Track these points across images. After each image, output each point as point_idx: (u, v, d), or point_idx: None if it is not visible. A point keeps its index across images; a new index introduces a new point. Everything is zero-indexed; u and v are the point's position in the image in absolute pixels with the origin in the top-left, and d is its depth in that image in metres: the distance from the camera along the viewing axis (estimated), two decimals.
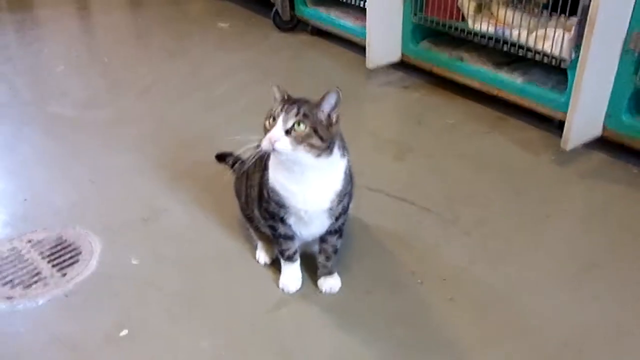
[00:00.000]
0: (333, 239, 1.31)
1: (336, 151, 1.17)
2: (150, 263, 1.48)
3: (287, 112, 1.11)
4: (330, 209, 1.22)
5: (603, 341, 1.23)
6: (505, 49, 2.03)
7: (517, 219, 1.61)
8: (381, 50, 2.42)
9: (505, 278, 1.40)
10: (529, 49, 1.96)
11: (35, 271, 1.47)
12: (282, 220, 1.26)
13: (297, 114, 1.11)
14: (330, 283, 1.35)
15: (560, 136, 1.83)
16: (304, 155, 1.11)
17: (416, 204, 1.67)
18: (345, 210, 1.28)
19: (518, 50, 1.99)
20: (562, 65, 1.86)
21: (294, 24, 3.07)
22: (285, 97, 1.17)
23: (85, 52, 3.04)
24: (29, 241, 1.58)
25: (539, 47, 1.92)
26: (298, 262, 1.36)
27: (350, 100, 2.38)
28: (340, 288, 1.35)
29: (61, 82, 2.58)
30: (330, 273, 1.35)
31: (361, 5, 2.56)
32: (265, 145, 1.11)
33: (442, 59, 2.28)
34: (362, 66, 2.48)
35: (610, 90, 1.77)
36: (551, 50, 1.88)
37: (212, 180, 1.77)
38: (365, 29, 2.45)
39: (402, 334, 1.25)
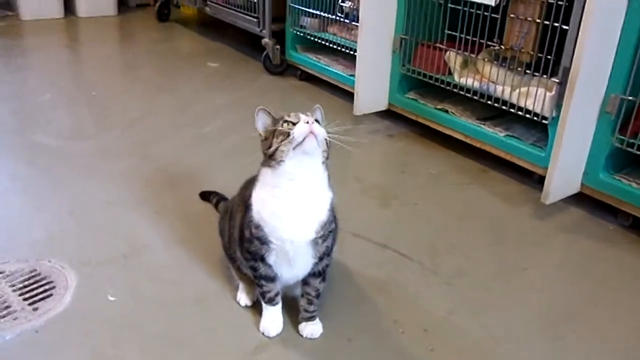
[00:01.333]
0: (316, 282, 1.30)
1: (325, 171, 1.21)
2: (128, 301, 1.43)
3: (296, 115, 1.18)
4: (315, 241, 1.21)
5: None
6: (489, 103, 2.10)
7: (497, 270, 1.63)
8: (369, 99, 2.48)
9: (484, 328, 1.40)
10: (512, 105, 2.03)
11: (5, 304, 1.41)
12: (263, 260, 1.24)
13: (308, 115, 1.18)
14: (311, 329, 1.33)
15: (540, 190, 1.88)
16: (319, 154, 1.17)
17: (399, 251, 1.67)
18: (328, 252, 1.27)
19: (502, 105, 2.06)
20: (544, 121, 1.93)
21: (283, 68, 3.13)
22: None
23: (73, 83, 3.04)
24: (1, 273, 1.52)
25: (522, 103, 1.99)
26: (279, 306, 1.34)
27: (336, 145, 2.43)
28: (322, 334, 1.33)
29: (47, 112, 2.56)
30: (311, 318, 1.34)
31: (351, 53, 2.64)
32: (302, 128, 1.13)
33: (428, 110, 2.34)
34: (349, 113, 2.54)
35: (589, 148, 1.83)
36: (533, 107, 1.95)
37: (195, 218, 1.76)
38: (353, 77, 2.52)
39: None
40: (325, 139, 1.17)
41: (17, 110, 2.55)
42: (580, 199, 1.91)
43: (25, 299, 1.43)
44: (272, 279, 1.28)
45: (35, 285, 1.48)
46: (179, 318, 1.38)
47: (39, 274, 1.52)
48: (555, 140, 1.80)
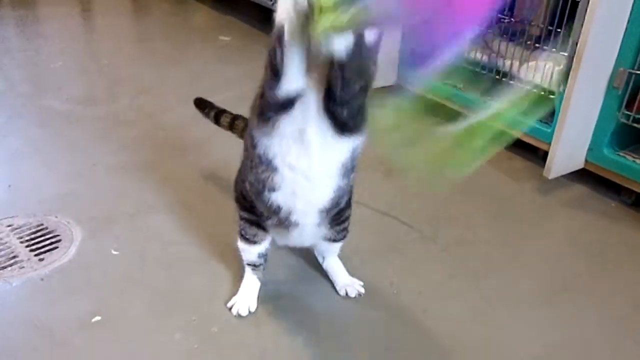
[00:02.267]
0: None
1: None
2: (131, 257, 1.47)
3: None
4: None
5: (572, 354, 1.25)
6: (497, 77, 2.09)
7: (497, 241, 1.64)
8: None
9: (480, 293, 1.42)
10: (519, 79, 2.02)
11: (12, 254, 1.46)
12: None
13: None
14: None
15: (544, 167, 1.87)
16: None
17: (399, 219, 1.69)
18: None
19: (509, 79, 2.05)
20: (551, 96, 1.91)
21: None
22: None
23: (85, 52, 3.07)
24: (9, 225, 1.57)
25: (529, 78, 1.98)
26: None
27: None
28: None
29: (59, 78, 2.60)
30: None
31: None
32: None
33: (435, 84, 2.33)
34: None
35: (594, 124, 1.82)
36: (540, 81, 1.93)
37: (201, 186, 1.79)
38: None
39: (375, 336, 1.26)
40: None
41: (31, 76, 2.60)
42: (583, 175, 1.91)
43: (31, 250, 1.48)
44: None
45: (41, 238, 1.53)
46: (181, 276, 1.42)
47: (46, 228, 1.57)
48: (560, 114, 1.79)
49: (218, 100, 2.45)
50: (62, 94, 2.40)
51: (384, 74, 2.44)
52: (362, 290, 1.36)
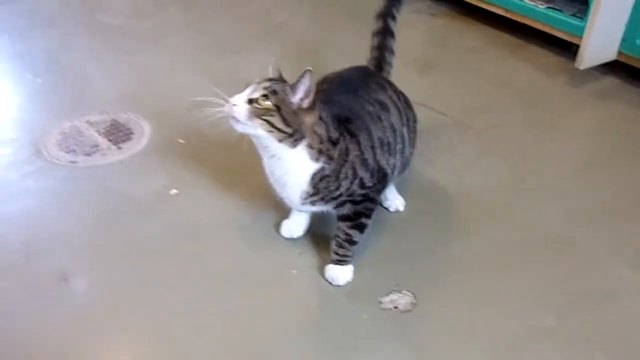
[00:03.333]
0: (344, 226, 1.21)
1: (302, 149, 1.10)
2: (195, 142, 1.66)
3: (258, 84, 1.09)
4: (310, 203, 1.17)
5: (595, 217, 1.41)
6: None
7: (528, 126, 1.76)
8: None
9: (510, 167, 1.57)
10: None
11: (94, 144, 1.67)
12: None
13: (266, 87, 1.08)
14: (333, 273, 1.22)
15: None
16: (262, 132, 1.07)
17: (435, 109, 1.82)
18: (354, 202, 1.18)
19: None
20: None
21: None
22: (276, 77, 1.14)
23: None
24: (87, 121, 1.77)
25: None
26: (301, 215, 1.32)
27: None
28: (348, 282, 1.24)
29: None
30: (340, 262, 1.23)
31: None
32: (226, 108, 1.08)
33: None
34: None
35: (628, 15, 1.86)
36: None
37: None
38: None
39: (417, 206, 1.44)
40: (261, 118, 1.06)
41: None
42: (616, 66, 1.97)
43: (109, 140, 1.69)
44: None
45: (116, 131, 1.73)
46: (242, 154, 1.59)
47: (118, 123, 1.76)
48: (593, 3, 1.83)
49: (255, 7, 2.53)
50: (113, 9, 2.53)
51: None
52: (402, 207, 1.42)
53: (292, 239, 1.33)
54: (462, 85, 1.98)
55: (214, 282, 1.24)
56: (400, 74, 2.06)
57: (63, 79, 2.01)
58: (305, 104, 1.09)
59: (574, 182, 1.54)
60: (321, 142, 1.13)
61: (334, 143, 1.14)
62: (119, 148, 1.66)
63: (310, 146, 1.11)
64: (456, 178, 1.52)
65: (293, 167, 1.13)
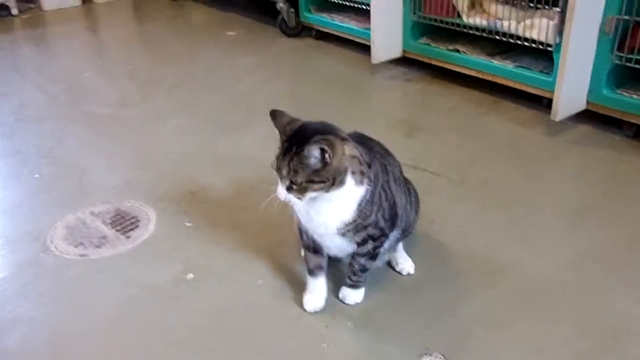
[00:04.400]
0: (361, 260, 1.30)
1: (349, 180, 1.15)
2: (203, 225, 1.68)
3: (280, 172, 1.13)
4: (343, 234, 1.22)
5: (596, 260, 1.49)
6: (497, 38, 2.31)
7: (518, 177, 1.86)
8: (384, 48, 2.69)
9: (510, 220, 1.64)
10: (518, 38, 2.23)
11: (102, 235, 1.68)
12: (305, 231, 1.29)
13: (288, 173, 1.12)
14: (347, 292, 1.35)
15: (550, 113, 2.09)
16: (314, 194, 1.14)
17: (428, 170, 1.91)
18: (372, 238, 1.26)
19: (509, 39, 2.27)
20: (549, 49, 2.13)
21: (299, 30, 3.33)
22: (284, 130, 1.15)
23: (107, 61, 3.27)
24: (91, 212, 1.78)
25: (527, 35, 2.19)
26: (320, 281, 1.34)
27: (358, 92, 2.65)
28: (358, 302, 1.35)
29: (92, 86, 2.80)
30: (353, 287, 1.35)
31: (363, 8, 2.83)
32: (279, 199, 1.15)
33: (441, 52, 2.55)
34: (367, 63, 2.75)
35: (591, 68, 2.03)
36: (538, 37, 2.15)
37: (250, 159, 2.00)
38: (367, 30, 2.72)
39: (428, 265, 1.48)
40: (306, 191, 1.12)
41: (66, 88, 2.79)
42: (587, 115, 2.13)
43: (117, 230, 1.69)
44: (313, 250, 1.32)
45: (121, 220, 1.74)
46: (253, 234, 1.63)
47: (123, 211, 1.78)
48: (560, 62, 2.00)
49: (241, 88, 2.66)
50: (100, 99, 2.61)
51: (392, 48, 2.66)
52: (412, 270, 1.46)
53: (315, 313, 1.35)
54: (448, 144, 2.10)
55: None
56: (387, 137, 2.16)
57: (60, 172, 2.02)
58: (328, 159, 1.10)
59: (571, 227, 1.62)
60: (360, 164, 1.17)
61: (369, 165, 1.20)
62: (128, 237, 1.66)
63: (353, 172, 1.15)
64: (460, 235, 1.59)
65: (342, 198, 1.17)
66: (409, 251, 1.52)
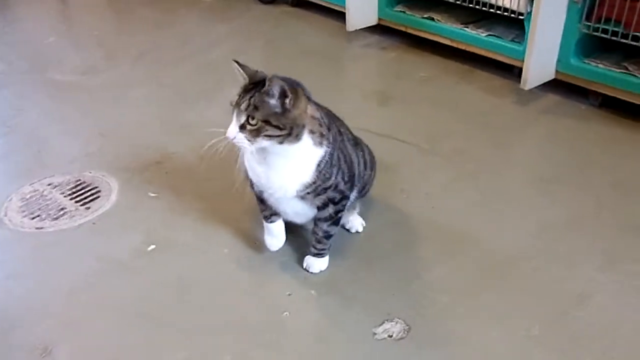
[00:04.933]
0: (324, 225, 1.29)
1: (306, 138, 1.14)
2: (168, 196, 1.64)
3: (239, 107, 1.10)
4: (302, 197, 1.20)
5: (561, 228, 1.50)
6: (471, 6, 2.27)
7: (488, 147, 1.85)
8: (359, 16, 2.62)
9: (479, 190, 1.64)
10: (491, 6, 2.20)
11: (60, 207, 1.62)
12: (261, 193, 1.27)
13: (247, 108, 1.09)
14: (312, 262, 1.34)
15: (520, 82, 2.08)
16: (266, 143, 1.11)
17: (400, 139, 1.89)
18: (333, 201, 1.25)
19: (482, 7, 2.23)
20: (520, 17, 2.10)
21: None
22: (247, 78, 1.15)
23: (72, 26, 3.15)
24: (49, 184, 1.73)
25: (500, 3, 2.16)
26: (277, 224, 1.34)
27: (333, 60, 2.59)
28: (322, 270, 1.35)
29: (55, 52, 2.69)
30: (318, 255, 1.34)
31: None
32: (227, 141, 1.12)
33: (416, 20, 2.50)
34: (342, 31, 2.68)
35: (560, 37, 2.01)
36: (510, 5, 2.12)
37: (216, 129, 1.95)
38: None
39: (393, 234, 1.47)
40: (259, 136, 1.10)
41: (27, 54, 2.67)
42: (555, 85, 2.12)
43: (76, 202, 1.65)
44: (264, 202, 1.30)
45: (82, 191, 1.69)
46: (218, 204, 1.60)
47: (84, 182, 1.73)
48: (529, 31, 1.98)
49: (214, 56, 2.59)
50: (64, 66, 2.51)
51: (367, 16, 2.60)
52: (361, 228, 1.47)
53: (279, 281, 1.33)
54: (422, 113, 2.07)
55: (208, 339, 1.21)
56: (361, 107, 2.13)
57: (18, 142, 1.95)
58: (288, 104, 1.11)
59: (538, 195, 1.62)
60: (320, 125, 1.17)
61: (328, 128, 1.19)
62: (87, 208, 1.62)
63: (312, 132, 1.15)
64: (428, 204, 1.58)
65: (299, 157, 1.15)
66: (377, 218, 1.51)
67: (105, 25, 3.12)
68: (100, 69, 2.49)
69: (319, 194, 1.22)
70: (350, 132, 1.38)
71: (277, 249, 1.38)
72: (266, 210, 1.33)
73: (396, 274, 1.35)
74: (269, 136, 1.10)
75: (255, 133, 1.10)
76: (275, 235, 1.36)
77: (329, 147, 1.18)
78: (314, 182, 1.19)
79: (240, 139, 1.11)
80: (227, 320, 1.25)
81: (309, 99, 1.17)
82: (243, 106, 1.11)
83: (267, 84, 1.09)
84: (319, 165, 1.17)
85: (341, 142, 1.25)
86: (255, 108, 1.09)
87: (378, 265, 1.38)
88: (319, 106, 1.23)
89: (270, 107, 1.10)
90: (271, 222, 1.34)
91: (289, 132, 1.11)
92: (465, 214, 1.55)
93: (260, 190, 1.26)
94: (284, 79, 1.11)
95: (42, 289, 1.34)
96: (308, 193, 1.21)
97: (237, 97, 1.13)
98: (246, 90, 1.13)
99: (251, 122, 1.10)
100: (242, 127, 1.11)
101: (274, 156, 1.15)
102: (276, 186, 1.20)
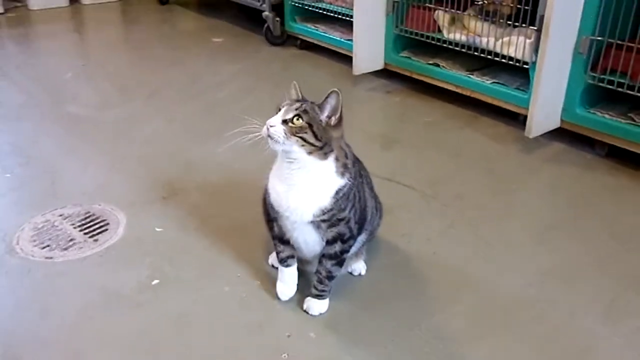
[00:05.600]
0: (328, 264, 1.31)
1: (331, 161, 1.20)
2: (174, 231, 1.67)
3: (290, 105, 1.20)
4: (316, 224, 1.24)
5: (561, 278, 1.50)
6: (476, 54, 2.34)
7: (490, 194, 1.88)
8: (366, 59, 2.71)
9: (480, 237, 1.65)
10: (496, 54, 2.26)
11: (69, 238, 1.66)
12: (276, 221, 1.31)
13: (297, 108, 1.18)
14: (312, 304, 1.35)
15: (525, 130, 2.11)
16: (296, 147, 1.17)
17: (402, 183, 1.92)
18: (343, 238, 1.27)
19: (487, 55, 2.29)
20: (525, 66, 2.16)
21: (284, 39, 3.35)
22: (299, 95, 1.25)
23: (90, 62, 3.25)
24: (60, 215, 1.76)
25: (505, 52, 2.22)
26: (292, 270, 1.37)
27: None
28: (322, 313, 1.35)
29: (72, 88, 2.78)
30: (318, 297, 1.35)
31: (347, 19, 2.86)
32: (263, 130, 1.17)
33: (421, 66, 2.57)
34: (349, 74, 2.76)
35: (566, 87, 2.07)
36: (515, 54, 2.18)
37: (223, 167, 1.99)
38: (351, 41, 2.74)
39: (395, 278, 1.48)
40: (296, 135, 1.16)
41: (46, 88, 2.77)
42: (560, 133, 2.16)
43: (85, 233, 1.68)
44: (284, 241, 1.33)
45: (91, 223, 1.72)
46: (221, 242, 1.62)
47: (93, 214, 1.76)
48: (535, 80, 2.03)
49: (221, 96, 2.66)
50: (79, 101, 2.59)
51: (374, 60, 2.69)
52: (364, 271, 1.49)
53: (278, 322, 1.34)
54: (425, 158, 2.11)
55: None
56: (365, 149, 2.17)
57: (33, 173, 2.00)
58: (333, 121, 1.20)
59: (538, 244, 1.63)
60: (346, 157, 1.24)
61: (353, 163, 1.26)
62: (95, 240, 1.64)
63: (337, 159, 1.21)
64: (430, 249, 1.59)
65: (319, 179, 1.21)
66: (379, 263, 1.52)
67: (120, 62, 3.23)
68: (114, 104, 2.57)
69: (332, 225, 1.25)
70: (370, 179, 1.42)
71: (287, 298, 1.38)
72: (284, 251, 1.35)
73: (396, 320, 1.35)
74: (304, 140, 1.17)
75: (294, 132, 1.17)
76: (287, 283, 1.38)
77: (349, 181, 1.23)
78: (331, 210, 1.22)
79: (279, 130, 1.16)
80: (225, 358, 1.25)
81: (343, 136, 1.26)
82: (294, 106, 1.19)
83: (328, 94, 1.19)
84: (337, 193, 1.22)
85: (360, 184, 1.31)
86: (305, 111, 1.18)
87: (379, 310, 1.38)
88: (346, 144, 1.30)
89: (317, 116, 1.19)
90: (287, 265, 1.36)
91: (321, 146, 1.18)
92: (466, 260, 1.56)
93: (276, 216, 1.29)
94: None
95: (47, 320, 1.36)
96: (323, 221, 1.24)
97: (286, 101, 1.22)
98: (297, 100, 1.24)
99: (296, 120, 1.17)
100: (284, 122, 1.17)
101: (297, 172, 1.20)
102: (294, 206, 1.23)
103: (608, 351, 1.27)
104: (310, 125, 1.17)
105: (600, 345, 1.29)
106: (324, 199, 1.21)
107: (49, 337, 1.31)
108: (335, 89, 1.20)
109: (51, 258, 1.57)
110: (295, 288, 1.39)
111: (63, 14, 4.22)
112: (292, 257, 1.37)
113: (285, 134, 1.16)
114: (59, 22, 4.01)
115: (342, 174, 1.22)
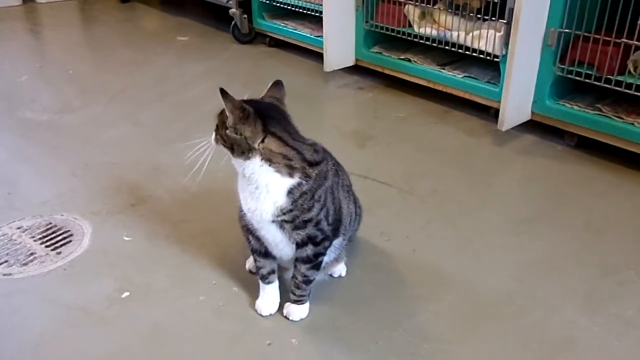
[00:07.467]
0: (302, 267, 1.27)
1: (258, 161, 1.15)
2: (143, 239, 1.59)
3: (216, 118, 1.22)
4: (279, 224, 1.21)
5: (540, 270, 1.49)
6: (447, 48, 2.32)
7: (466, 188, 1.86)
8: (337, 56, 2.66)
9: (458, 231, 1.63)
10: (467, 48, 2.25)
11: (30, 252, 1.56)
12: (251, 233, 1.28)
13: (218, 121, 1.21)
14: (292, 310, 1.32)
15: (497, 123, 2.12)
16: (225, 150, 1.19)
17: (378, 180, 1.88)
18: (313, 241, 1.23)
19: (458, 49, 2.28)
20: (496, 59, 2.16)
21: (252, 37, 3.28)
22: (245, 101, 1.20)
23: (47, 64, 3.10)
24: (19, 228, 1.66)
25: (475, 45, 2.22)
26: (273, 286, 1.34)
27: (311, 100, 2.61)
28: (303, 318, 1.32)
29: (28, 91, 2.64)
30: (297, 302, 1.32)
31: (316, 15, 2.81)
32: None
33: (392, 61, 2.54)
34: (320, 71, 2.71)
35: (535, 79, 2.07)
36: (485, 47, 2.18)
37: (195, 170, 1.91)
38: (320, 38, 2.69)
39: (375, 278, 1.45)
40: (221, 141, 1.18)
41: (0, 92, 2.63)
42: (531, 125, 2.16)
43: (47, 246, 1.58)
44: (263, 254, 1.31)
45: (53, 235, 1.63)
46: (194, 248, 1.56)
47: (55, 226, 1.66)
48: (505, 73, 2.03)
49: (188, 96, 2.58)
50: (37, 105, 2.46)
51: (345, 56, 2.65)
52: (344, 272, 1.46)
53: (258, 329, 1.29)
54: (399, 154, 2.08)
55: None
56: (339, 147, 2.13)
57: None
58: (230, 121, 1.16)
59: (515, 237, 1.63)
60: (287, 159, 1.16)
61: (312, 164, 1.19)
62: (58, 253, 1.55)
63: (268, 160, 1.16)
64: (409, 247, 1.56)
65: (263, 180, 1.17)
66: (359, 262, 1.49)
67: (80, 63, 3.09)
68: (74, 108, 2.45)
69: (298, 227, 1.21)
70: (348, 181, 1.38)
71: (269, 313, 1.33)
72: (264, 266, 1.32)
73: (379, 321, 1.32)
74: (222, 143, 1.19)
75: (220, 141, 1.20)
76: (269, 300, 1.34)
77: (304, 180, 1.18)
78: (290, 210, 1.18)
79: (212, 137, 1.22)
80: None
81: (271, 132, 1.16)
82: (218, 120, 1.22)
83: (225, 100, 1.15)
84: (291, 192, 1.17)
85: (335, 183, 1.27)
86: (223, 122, 1.19)
87: (361, 312, 1.35)
88: (304, 144, 1.21)
89: (222, 117, 1.19)
90: (268, 282, 1.33)
91: (230, 147, 1.18)
92: (446, 256, 1.54)
93: (249, 222, 1.26)
94: (266, 107, 1.21)
95: (8, 341, 1.26)
96: (285, 221, 1.20)
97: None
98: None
99: (217, 131, 1.21)
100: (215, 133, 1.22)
101: (244, 174, 1.19)
102: (253, 207, 1.21)
103: (590, 341, 1.27)
104: (216, 128, 1.21)
105: (581, 334, 1.29)
106: (279, 198, 1.18)
107: (12, 359, 1.22)
108: (220, 87, 1.14)
109: (9, 275, 1.47)
110: (277, 304, 1.34)
111: (16, 13, 4.03)
112: (274, 272, 1.33)
113: (215, 135, 1.21)
114: (12, 21, 3.82)
115: (290, 174, 1.17)
